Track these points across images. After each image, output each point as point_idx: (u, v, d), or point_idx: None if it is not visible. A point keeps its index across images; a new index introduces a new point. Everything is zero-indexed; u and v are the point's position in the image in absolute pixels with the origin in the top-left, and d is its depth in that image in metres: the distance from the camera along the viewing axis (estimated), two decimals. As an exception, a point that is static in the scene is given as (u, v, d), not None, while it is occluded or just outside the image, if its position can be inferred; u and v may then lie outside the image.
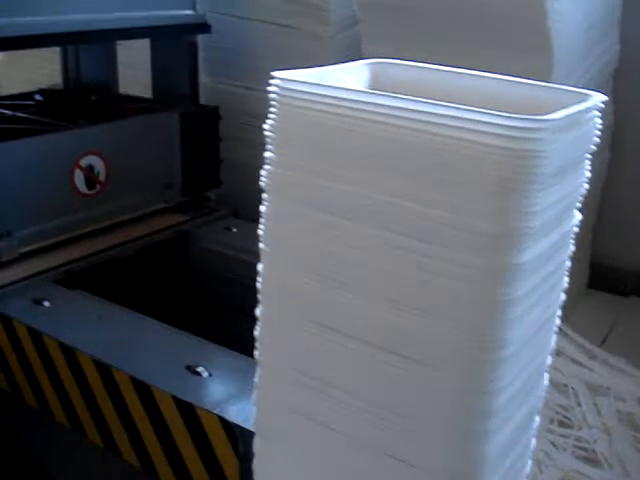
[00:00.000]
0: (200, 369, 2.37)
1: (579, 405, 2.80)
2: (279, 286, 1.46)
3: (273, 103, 1.38)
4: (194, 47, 3.60)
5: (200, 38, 3.79)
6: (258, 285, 1.52)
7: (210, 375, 2.35)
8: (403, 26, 3.25)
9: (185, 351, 2.54)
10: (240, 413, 2.14)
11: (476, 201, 1.20)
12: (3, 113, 3.48)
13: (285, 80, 1.37)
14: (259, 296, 1.53)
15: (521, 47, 2.86)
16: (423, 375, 1.30)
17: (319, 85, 1.34)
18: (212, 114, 3.63)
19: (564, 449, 2.57)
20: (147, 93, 3.95)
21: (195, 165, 3.60)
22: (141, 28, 3.31)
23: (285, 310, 1.47)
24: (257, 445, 1.67)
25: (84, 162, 3.19)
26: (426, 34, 3.18)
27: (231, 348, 2.55)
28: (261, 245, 1.49)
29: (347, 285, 1.35)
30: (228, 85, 3.91)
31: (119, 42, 3.90)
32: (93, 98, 3.64)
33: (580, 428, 2.68)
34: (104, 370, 2.33)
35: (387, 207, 1.27)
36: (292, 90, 1.35)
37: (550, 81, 2.56)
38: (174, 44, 3.62)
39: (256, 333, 1.57)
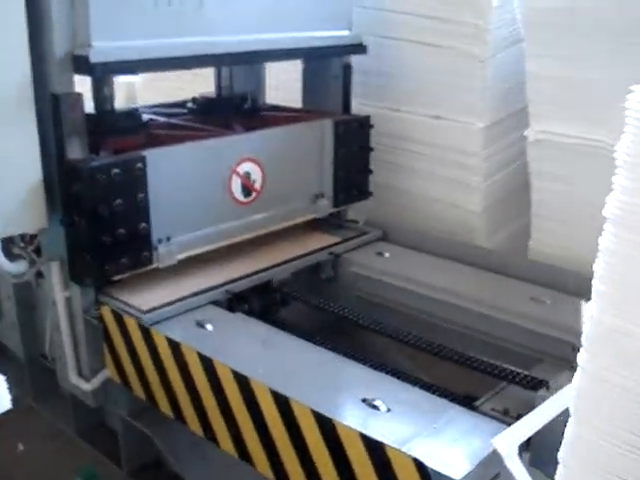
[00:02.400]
0: (378, 403, 2.20)
1: None
2: (615, 331, 1.21)
3: (632, 122, 1.15)
4: (349, 68, 3.46)
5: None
6: (584, 328, 1.28)
7: (389, 410, 2.18)
8: (574, 44, 3.05)
9: (357, 381, 2.38)
10: (430, 454, 1.96)
11: None
12: (157, 120, 3.40)
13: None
14: (583, 340, 1.29)
15: None
16: None
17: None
18: (364, 123, 3.47)
19: None
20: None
21: (346, 175, 3.45)
22: (299, 49, 3.18)
23: (620, 359, 1.22)
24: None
25: (242, 169, 3.08)
26: (603, 51, 2.97)
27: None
28: (596, 282, 1.25)
29: None
30: (373, 107, 3.74)
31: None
32: (245, 106, 3.53)
33: None
34: (281, 401, 2.18)
35: None
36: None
37: None
38: (328, 64, 3.49)
39: (575, 382, 1.34)
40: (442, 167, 3.66)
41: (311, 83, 3.62)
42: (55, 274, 2.82)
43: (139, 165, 2.68)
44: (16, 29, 2.48)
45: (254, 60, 3.23)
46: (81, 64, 2.54)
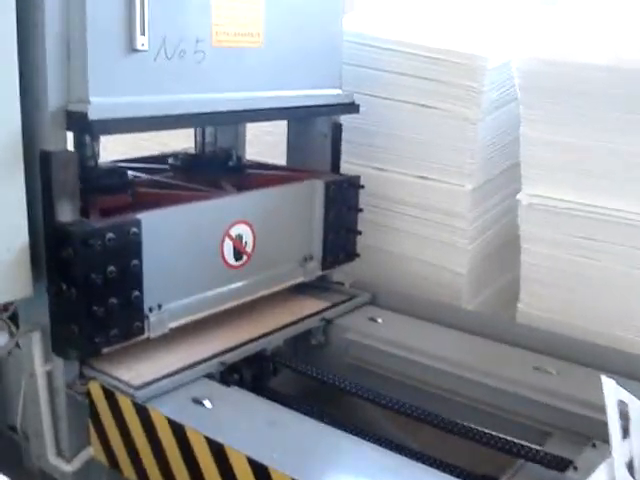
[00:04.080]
0: (406, 493, 2.01)
1: None
2: None
3: None
4: (339, 127, 3.30)
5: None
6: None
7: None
8: (570, 110, 3.00)
9: (375, 465, 2.17)
10: None
11: None
12: (139, 177, 3.17)
13: None
14: None
15: None
16: None
17: None
18: (354, 183, 3.31)
19: None
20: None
21: (335, 236, 3.26)
22: (293, 108, 2.99)
23: None
24: None
25: (234, 231, 2.87)
26: (598, 118, 2.93)
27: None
28: None
29: None
30: (357, 165, 3.60)
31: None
32: (230, 164, 3.33)
33: None
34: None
35: None
36: None
37: None
38: (316, 122, 3.32)
39: None
40: (427, 228, 3.54)
41: (297, 140, 3.45)
42: (36, 345, 2.54)
43: (134, 229, 2.45)
44: (6, 80, 2.24)
45: (252, 119, 3.03)
46: (77, 121, 2.31)
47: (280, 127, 3.68)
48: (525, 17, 3.42)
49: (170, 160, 3.38)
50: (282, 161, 3.75)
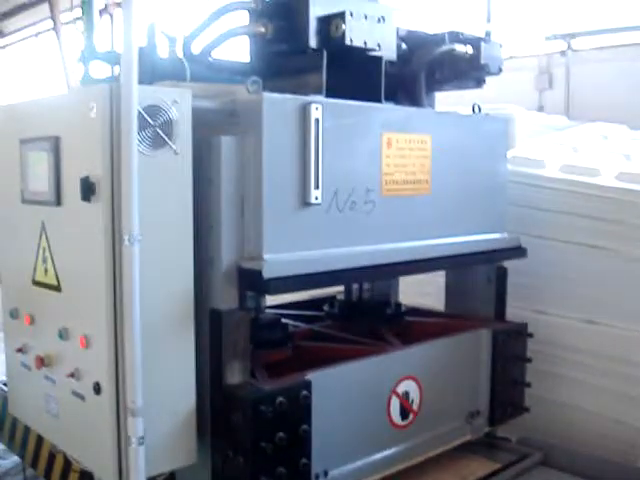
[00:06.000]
0: None
1: None
2: None
3: None
4: (504, 272, 3.05)
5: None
6: None
7: None
8: None
9: None
10: None
11: None
12: (297, 326, 3.00)
13: None
14: None
15: None
16: None
17: None
18: (522, 332, 3.03)
19: None
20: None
21: (503, 389, 2.97)
22: (455, 256, 2.75)
23: None
24: None
25: (401, 388, 2.64)
26: None
27: None
28: None
29: None
30: (520, 309, 3.31)
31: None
32: (389, 311, 3.13)
33: None
34: None
35: None
36: None
37: None
38: (478, 266, 3.10)
39: None
40: (600, 377, 3.20)
41: (457, 284, 3.23)
42: (199, 514, 2.33)
43: (304, 392, 2.26)
44: (182, 238, 2.14)
45: (421, 270, 2.81)
46: (251, 279, 2.18)
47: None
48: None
49: (325, 307, 3.20)
50: (433, 301, 3.54)
